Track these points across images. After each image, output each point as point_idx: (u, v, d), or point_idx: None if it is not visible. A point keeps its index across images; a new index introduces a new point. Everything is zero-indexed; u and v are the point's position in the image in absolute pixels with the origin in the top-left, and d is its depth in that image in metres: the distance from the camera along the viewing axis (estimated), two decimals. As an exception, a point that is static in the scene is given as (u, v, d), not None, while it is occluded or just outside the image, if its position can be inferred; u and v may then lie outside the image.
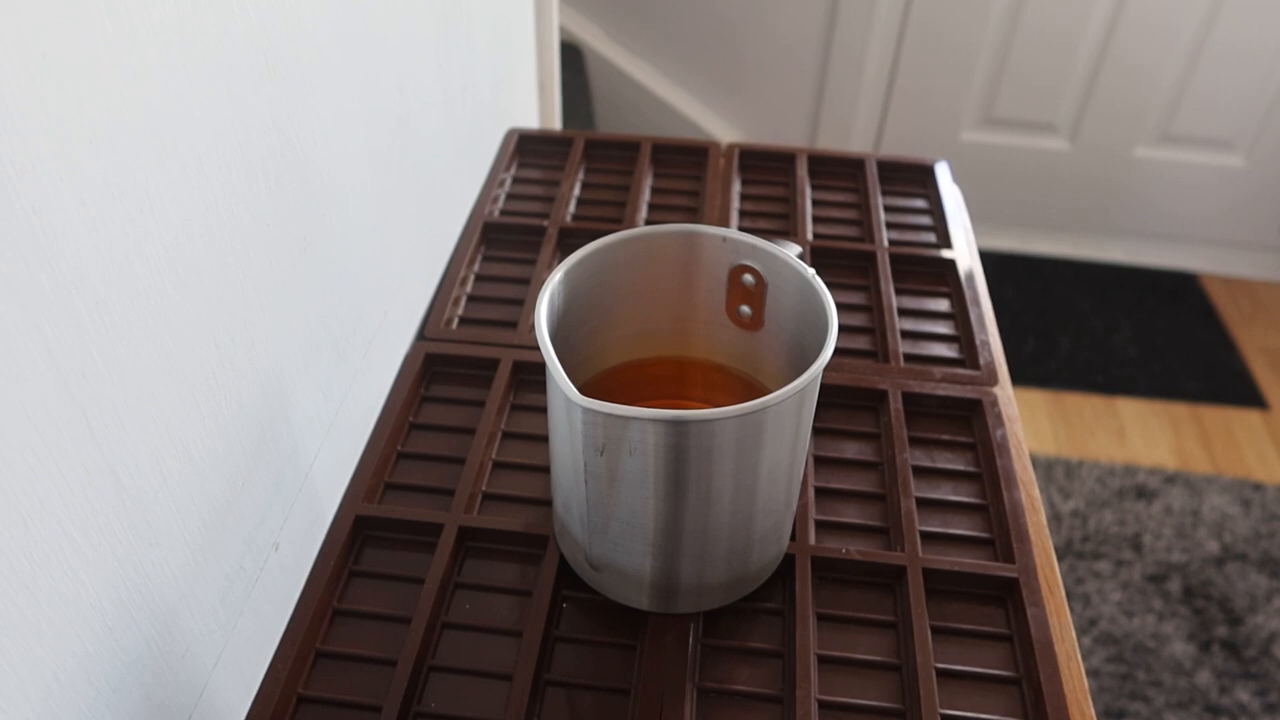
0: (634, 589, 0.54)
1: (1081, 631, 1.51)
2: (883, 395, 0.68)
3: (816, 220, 0.84)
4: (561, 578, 0.57)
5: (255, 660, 0.53)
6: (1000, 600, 0.57)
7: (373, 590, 0.57)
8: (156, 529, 0.44)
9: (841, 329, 0.69)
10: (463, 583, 0.57)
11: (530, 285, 0.77)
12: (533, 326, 0.50)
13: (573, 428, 0.47)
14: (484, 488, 0.62)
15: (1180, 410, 1.87)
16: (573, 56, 2.02)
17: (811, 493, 0.62)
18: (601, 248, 0.56)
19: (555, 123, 1.37)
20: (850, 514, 0.61)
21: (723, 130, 2.06)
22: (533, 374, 0.69)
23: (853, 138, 2.04)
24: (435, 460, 0.64)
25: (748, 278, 0.57)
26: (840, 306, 0.73)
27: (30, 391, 0.35)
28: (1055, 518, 1.67)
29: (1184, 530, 1.67)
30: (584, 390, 0.45)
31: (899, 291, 0.77)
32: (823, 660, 0.54)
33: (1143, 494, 1.72)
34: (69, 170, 0.36)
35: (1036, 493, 0.63)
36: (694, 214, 0.84)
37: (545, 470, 0.62)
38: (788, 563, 0.57)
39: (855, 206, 0.86)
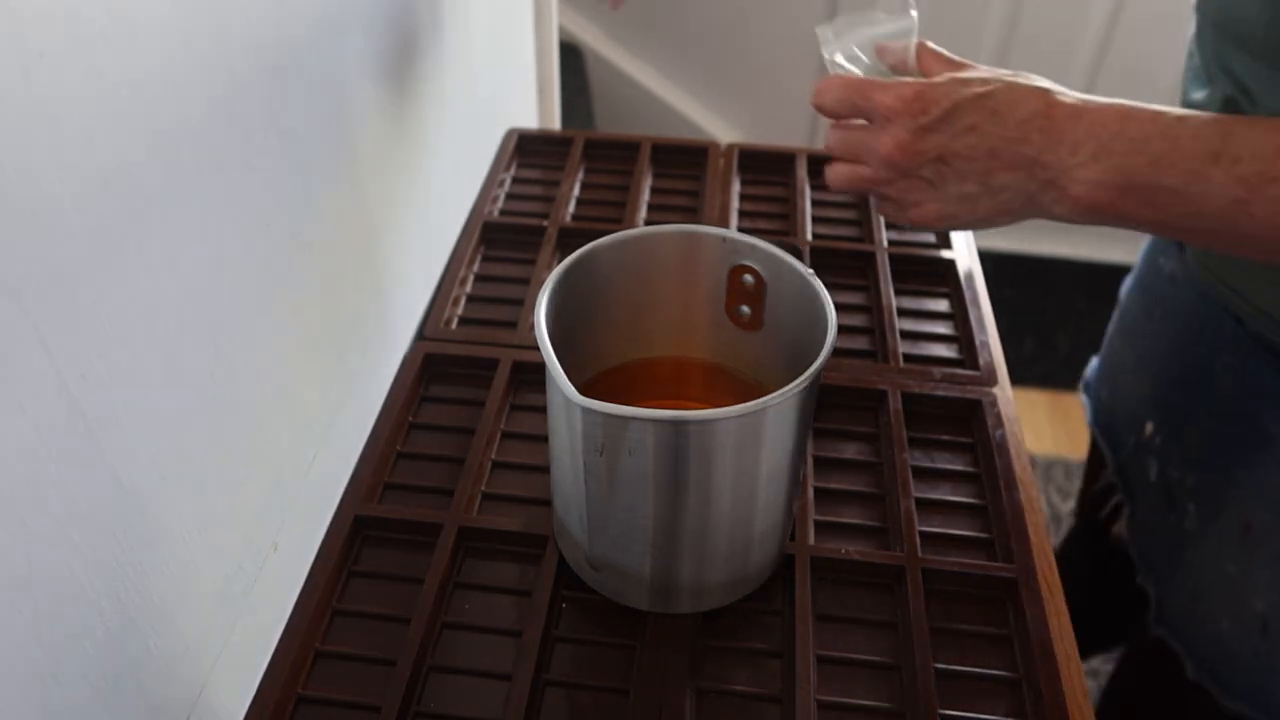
0: (633, 589, 0.54)
1: (1081, 632, 1.51)
2: (882, 396, 0.68)
3: (816, 220, 0.84)
4: (561, 578, 0.57)
5: (254, 660, 0.53)
6: (1000, 601, 0.57)
7: (372, 590, 0.57)
8: (155, 529, 0.44)
9: (841, 329, 0.69)
10: (462, 583, 0.57)
11: (530, 285, 0.77)
12: (533, 326, 0.50)
13: (572, 428, 0.47)
14: (483, 488, 0.62)
15: (1180, 410, 1.87)
16: (573, 56, 2.02)
17: (811, 493, 0.62)
18: (601, 247, 0.56)
19: (555, 123, 1.37)
20: (850, 514, 0.61)
21: (722, 130, 2.06)
22: (533, 374, 0.69)
23: (852, 138, 2.05)
24: (435, 460, 0.64)
25: (747, 278, 0.57)
26: (840, 307, 0.73)
27: (30, 392, 0.35)
28: (1055, 518, 1.67)
29: (1183, 530, 1.66)
30: (584, 390, 0.45)
31: (898, 292, 0.77)
32: (822, 661, 0.54)
33: (1142, 494, 1.72)
34: (69, 170, 0.36)
35: (1036, 493, 0.63)
36: (694, 214, 0.84)
37: (545, 470, 0.62)
38: (787, 563, 0.57)
39: (855, 207, 0.86)
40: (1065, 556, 1.06)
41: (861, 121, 0.56)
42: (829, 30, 0.58)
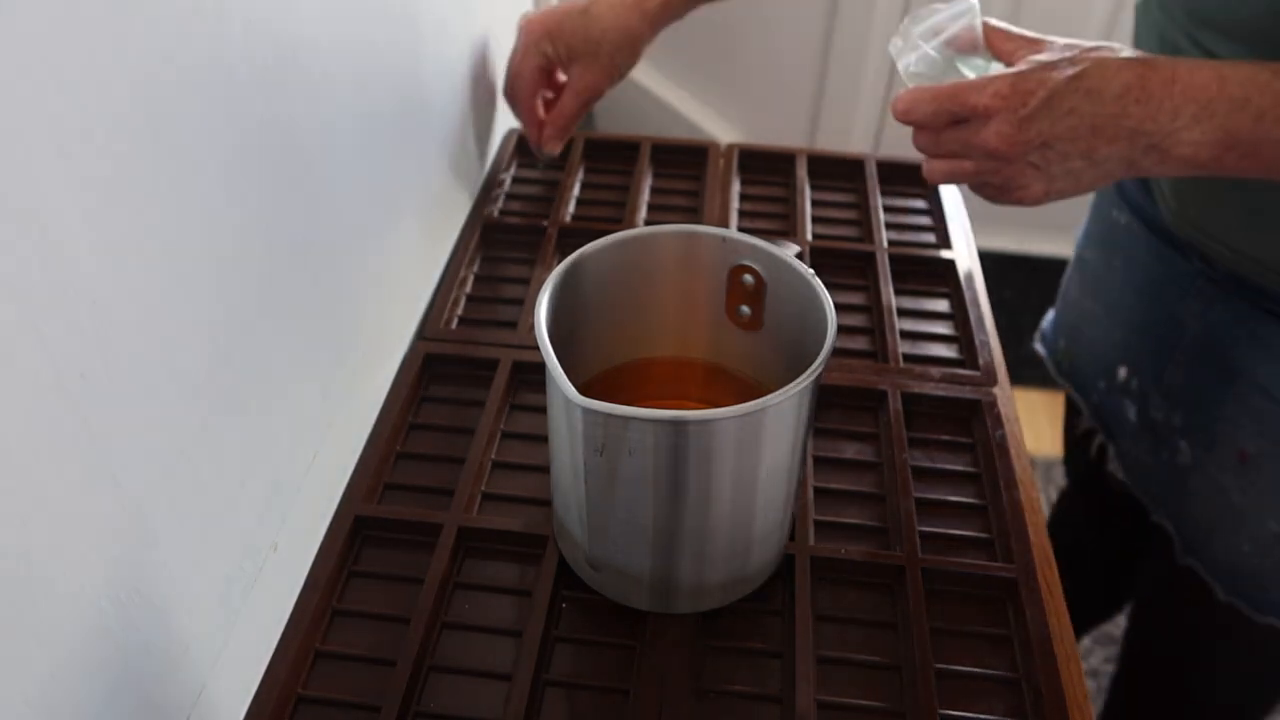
0: (633, 589, 0.54)
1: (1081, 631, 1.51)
2: (882, 395, 0.68)
3: (816, 220, 0.84)
4: (561, 578, 0.57)
5: (254, 660, 0.53)
6: (1000, 601, 0.57)
7: (372, 590, 0.57)
8: (155, 529, 0.44)
9: (841, 329, 0.69)
10: (462, 583, 0.57)
11: (530, 285, 0.77)
12: (533, 326, 0.50)
13: (572, 428, 0.47)
14: (483, 488, 0.62)
15: (1180, 410, 1.87)
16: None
17: (811, 493, 0.62)
18: (601, 248, 0.56)
19: (555, 123, 1.36)
20: (850, 514, 0.61)
21: (722, 130, 2.06)
22: (533, 374, 0.69)
23: (852, 138, 2.04)
24: (435, 460, 0.64)
25: (747, 278, 0.57)
26: (840, 307, 0.73)
27: (29, 392, 0.35)
28: (1055, 518, 1.67)
29: (1183, 530, 1.66)
30: (584, 390, 0.45)
31: (898, 292, 0.77)
32: (822, 661, 0.54)
33: (1142, 494, 1.72)
34: (68, 170, 0.36)
35: (1036, 493, 0.63)
36: (694, 214, 0.84)
37: (545, 470, 0.62)
38: (787, 563, 0.57)
39: (855, 207, 0.86)
40: (1061, 520, 1.09)
41: None
42: (898, 40, 0.59)
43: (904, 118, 0.57)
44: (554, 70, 0.83)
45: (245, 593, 0.53)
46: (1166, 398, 0.77)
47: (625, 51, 0.79)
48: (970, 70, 0.58)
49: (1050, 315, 0.97)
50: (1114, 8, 1.78)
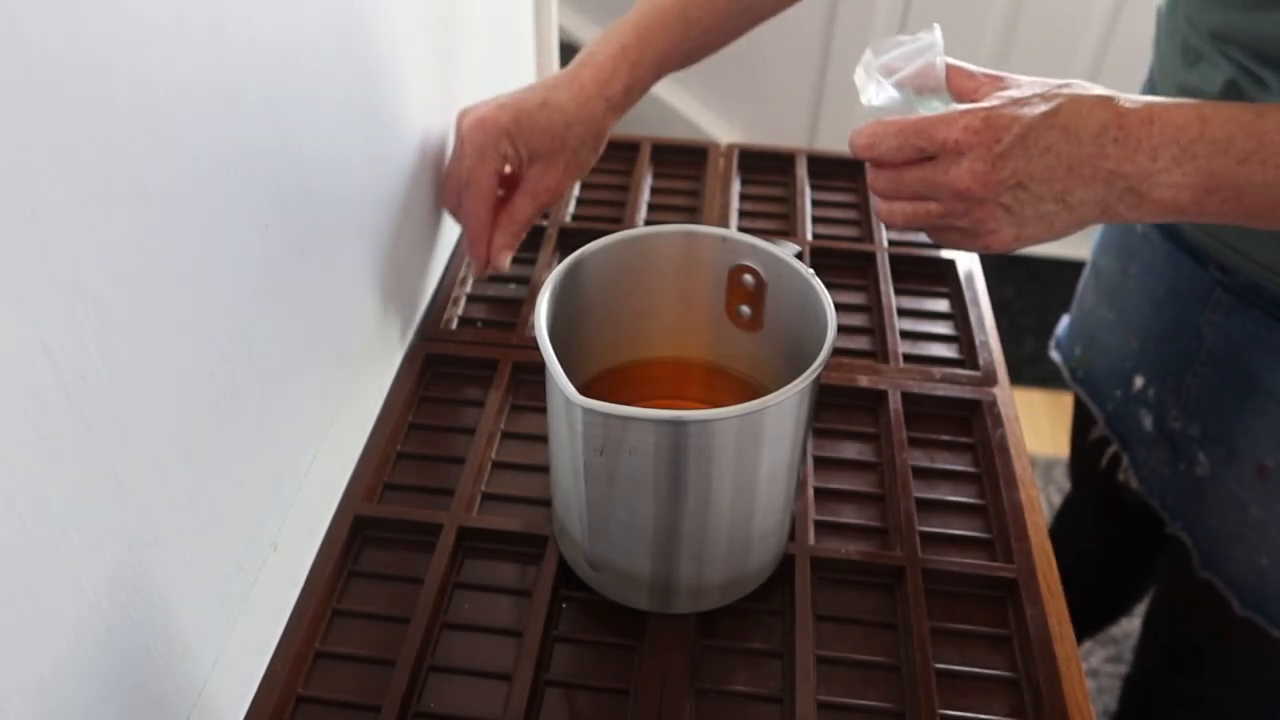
0: (633, 589, 0.54)
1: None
2: (882, 395, 0.68)
3: (816, 220, 0.84)
4: (561, 578, 0.57)
5: (254, 660, 0.53)
6: (1000, 601, 0.57)
7: (372, 590, 0.57)
8: (155, 529, 0.44)
9: (841, 329, 0.69)
10: (462, 583, 0.57)
11: (530, 285, 0.77)
12: (533, 326, 0.49)
13: (572, 428, 0.47)
14: (483, 488, 0.62)
15: (1180, 410, 1.87)
16: (573, 56, 2.02)
17: (811, 493, 0.62)
18: (601, 248, 0.56)
19: (555, 123, 1.36)
20: (850, 514, 0.61)
21: (722, 130, 2.06)
22: (532, 374, 0.69)
23: (852, 138, 2.04)
24: (435, 460, 0.64)
25: (747, 278, 0.57)
26: (840, 306, 0.73)
27: (29, 392, 0.35)
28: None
29: (1183, 530, 1.66)
30: (584, 390, 0.45)
31: (898, 292, 0.77)
32: (822, 661, 0.54)
33: (1142, 494, 1.71)
34: (69, 170, 0.36)
35: (1036, 493, 0.63)
36: (693, 214, 0.84)
37: (545, 470, 0.62)
38: (787, 563, 0.57)
39: (855, 207, 0.86)
40: (1066, 527, 1.09)
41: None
42: (860, 71, 0.56)
43: (865, 153, 0.54)
44: (504, 173, 0.72)
45: (245, 592, 0.53)
46: (1185, 409, 0.76)
47: (589, 146, 0.70)
48: (928, 112, 0.54)
49: (1065, 322, 0.95)
50: (1114, 6, 1.78)
